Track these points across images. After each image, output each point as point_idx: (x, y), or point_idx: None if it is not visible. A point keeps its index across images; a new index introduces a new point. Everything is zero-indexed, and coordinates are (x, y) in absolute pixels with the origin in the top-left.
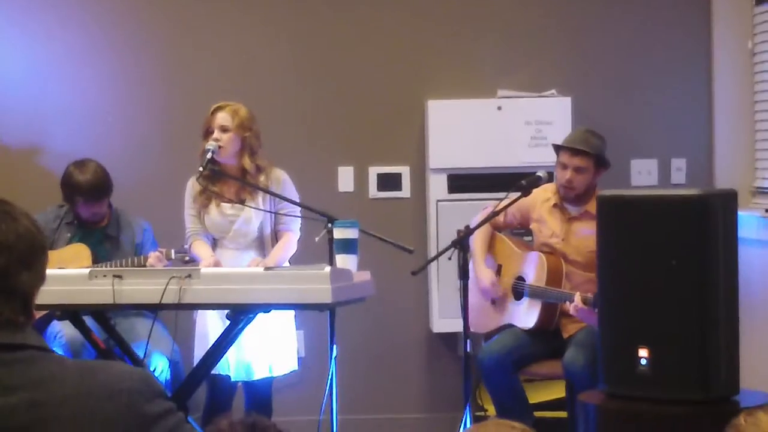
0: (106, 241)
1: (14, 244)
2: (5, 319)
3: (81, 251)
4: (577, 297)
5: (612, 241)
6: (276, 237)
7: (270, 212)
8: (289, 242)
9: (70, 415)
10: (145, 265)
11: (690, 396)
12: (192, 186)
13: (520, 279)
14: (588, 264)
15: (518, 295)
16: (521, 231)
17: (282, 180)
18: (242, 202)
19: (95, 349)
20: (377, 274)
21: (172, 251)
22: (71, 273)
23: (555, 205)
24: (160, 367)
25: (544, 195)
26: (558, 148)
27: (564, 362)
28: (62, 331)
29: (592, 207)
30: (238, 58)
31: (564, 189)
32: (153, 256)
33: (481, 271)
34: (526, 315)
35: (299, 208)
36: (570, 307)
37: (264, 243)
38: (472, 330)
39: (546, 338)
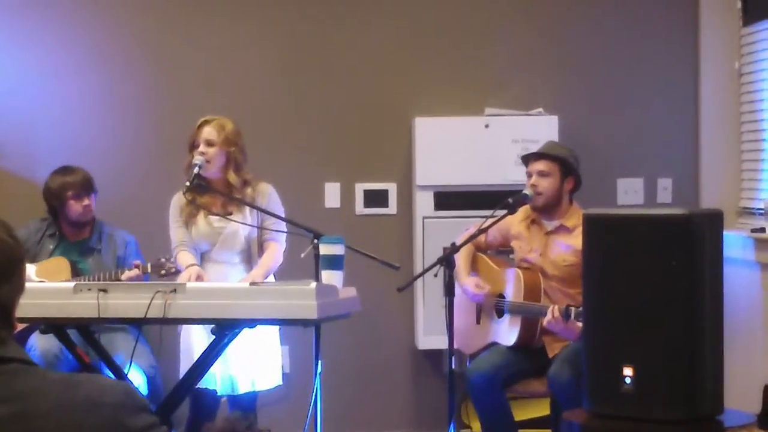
0: (87, 254)
1: None
2: None
3: (61, 264)
4: (550, 310)
5: (598, 259)
6: (262, 248)
7: (256, 227)
8: (276, 252)
9: (54, 428)
10: (120, 280)
11: (674, 415)
12: (177, 200)
13: (501, 296)
14: (566, 278)
15: (500, 312)
16: (504, 250)
17: (268, 193)
18: (229, 214)
19: (79, 363)
20: (363, 291)
21: (149, 265)
22: (56, 287)
23: (533, 221)
24: (137, 381)
25: (522, 213)
26: (524, 160)
27: (549, 377)
28: (36, 344)
29: (567, 221)
30: (226, 73)
31: (533, 197)
32: (127, 274)
33: (465, 279)
34: (507, 332)
35: (282, 220)
36: (544, 321)
37: (251, 255)
38: (459, 350)
39: (531, 357)
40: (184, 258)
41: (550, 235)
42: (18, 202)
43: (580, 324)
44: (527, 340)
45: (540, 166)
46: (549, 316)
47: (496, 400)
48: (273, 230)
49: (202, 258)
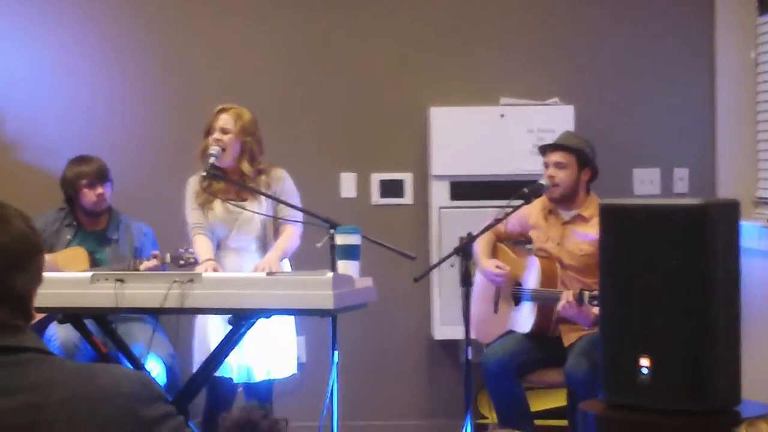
0: (104, 244)
1: (7, 247)
2: (3, 322)
3: (78, 254)
4: (564, 295)
5: (614, 249)
6: (278, 233)
7: (271, 217)
8: (292, 234)
9: (69, 417)
10: (138, 270)
11: (691, 406)
12: (194, 183)
13: (518, 285)
14: (582, 268)
15: (517, 300)
16: (523, 241)
17: (282, 178)
18: (243, 200)
19: (96, 352)
20: (379, 281)
21: (168, 255)
22: (73, 276)
23: (550, 212)
24: (156, 370)
25: (540, 203)
26: (542, 151)
27: (566, 370)
28: (56, 333)
29: (584, 211)
30: (240, 62)
31: (549, 188)
32: (145, 264)
33: (485, 262)
34: (524, 320)
35: (298, 204)
36: (558, 306)
37: (267, 242)
38: (477, 340)
39: (547, 345)
40: (201, 242)
41: (567, 224)
42: (35, 193)
43: (594, 309)
44: (543, 329)
45: (557, 157)
46: (563, 300)
47: (511, 387)
48: (287, 220)
49: (219, 245)
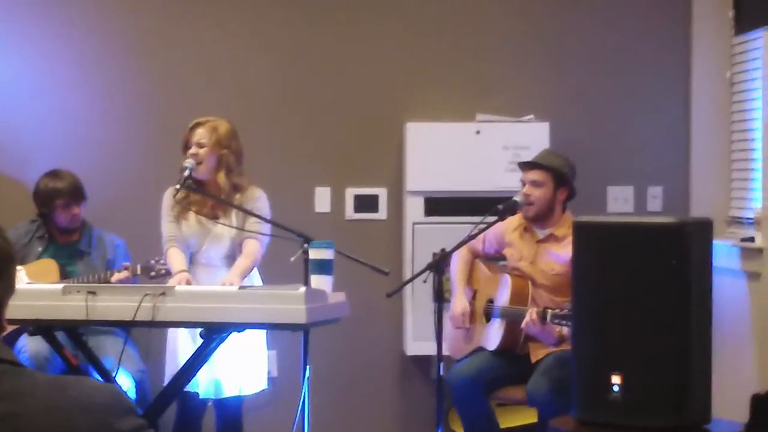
0: (77, 257)
1: None
2: None
3: (49, 266)
4: (528, 312)
5: (587, 267)
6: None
7: (240, 229)
8: (252, 250)
9: (48, 426)
10: (109, 282)
11: (662, 424)
12: (170, 195)
13: (490, 302)
14: (554, 287)
15: (488, 317)
16: (500, 257)
17: (256, 198)
18: (216, 218)
19: (67, 365)
20: (352, 296)
21: (139, 266)
22: (45, 288)
23: (525, 229)
24: (125, 385)
25: (516, 221)
26: (521, 167)
27: (528, 390)
28: (26, 345)
29: (558, 230)
30: (217, 77)
31: (524, 206)
32: (116, 276)
33: (456, 299)
34: (493, 336)
35: (269, 226)
36: (522, 323)
37: (235, 260)
38: (451, 356)
39: (515, 362)
40: (174, 256)
41: (541, 243)
42: (7, 203)
43: (557, 327)
44: (511, 345)
45: (533, 175)
46: (527, 318)
47: (478, 405)
48: (253, 231)
49: (191, 260)
